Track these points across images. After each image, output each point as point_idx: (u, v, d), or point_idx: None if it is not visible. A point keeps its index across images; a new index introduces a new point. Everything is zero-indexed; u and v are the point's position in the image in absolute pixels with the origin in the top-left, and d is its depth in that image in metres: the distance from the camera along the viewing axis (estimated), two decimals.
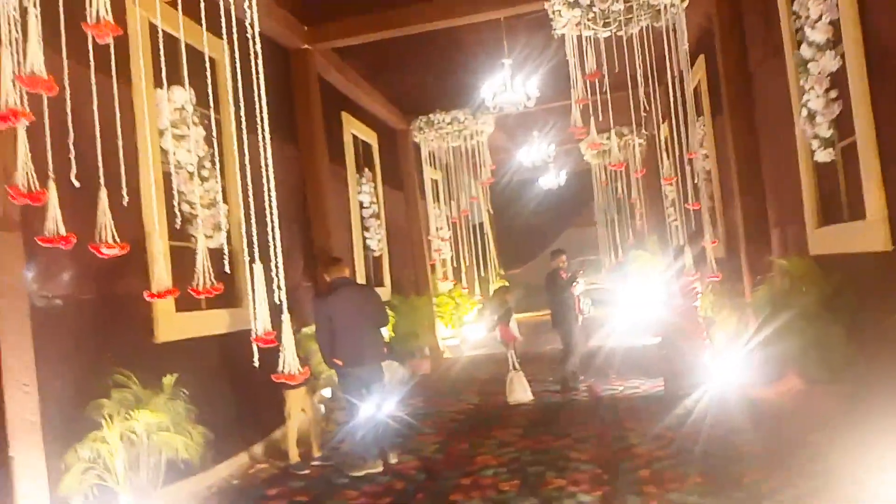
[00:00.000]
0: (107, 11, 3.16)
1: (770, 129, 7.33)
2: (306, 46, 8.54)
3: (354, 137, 11.00)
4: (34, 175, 3.61)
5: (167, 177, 5.91)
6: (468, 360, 13.37)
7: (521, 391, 8.41)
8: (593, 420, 7.23)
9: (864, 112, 4.85)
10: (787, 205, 6.85)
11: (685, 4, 7.45)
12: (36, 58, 3.18)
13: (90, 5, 3.17)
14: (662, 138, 11.46)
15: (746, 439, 5.73)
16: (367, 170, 11.34)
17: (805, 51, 5.47)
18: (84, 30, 3.25)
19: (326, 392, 8.00)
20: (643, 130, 12.13)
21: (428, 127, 12.31)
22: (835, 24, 5.20)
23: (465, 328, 15.30)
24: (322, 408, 7.90)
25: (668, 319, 7.75)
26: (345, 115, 10.59)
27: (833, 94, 5.35)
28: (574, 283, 9.03)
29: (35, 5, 3.24)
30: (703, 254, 7.75)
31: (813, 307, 5.42)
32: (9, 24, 3.29)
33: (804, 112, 5.64)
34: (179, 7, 3.80)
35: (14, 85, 3.34)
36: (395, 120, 12.80)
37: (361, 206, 10.97)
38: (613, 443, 6.21)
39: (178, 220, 5.69)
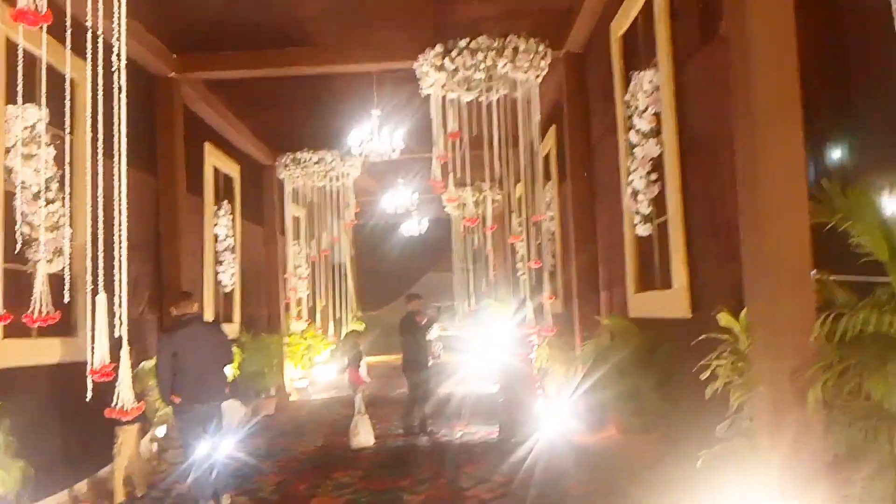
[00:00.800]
0: None
1: (605, 198, 8.15)
2: (173, 75, 8.46)
3: (216, 169, 10.87)
4: None
5: (8, 196, 5.65)
6: (317, 402, 13.28)
7: (364, 435, 8.51)
8: (432, 464, 7.50)
9: (676, 194, 5.60)
10: (614, 269, 7.61)
11: (539, 80, 8.21)
12: None
13: None
14: (515, 198, 12.25)
15: (571, 483, 6.21)
16: (226, 202, 11.19)
17: (633, 136, 6.24)
18: None
19: (160, 431, 7.74)
20: (498, 189, 12.88)
21: (294, 164, 12.35)
22: (658, 116, 5.99)
23: (316, 370, 15.19)
24: (155, 446, 7.63)
25: (508, 368, 8.25)
26: (207, 146, 10.47)
27: (654, 176, 6.13)
28: (430, 328, 9.22)
29: None
30: (541, 308, 8.36)
31: (628, 363, 6.06)
32: None
33: (629, 189, 6.39)
34: (43, 26, 3.76)
35: None
36: (260, 155, 12.77)
37: (217, 238, 10.78)
38: (448, 485, 6.50)
39: (19, 243, 5.46)
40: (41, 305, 4.23)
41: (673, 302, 5.64)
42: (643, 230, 6.35)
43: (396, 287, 25.24)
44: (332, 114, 10.94)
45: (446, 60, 7.79)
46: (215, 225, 10.71)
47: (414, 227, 19.40)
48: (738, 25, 3.75)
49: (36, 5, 3.36)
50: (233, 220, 11.36)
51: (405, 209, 16.70)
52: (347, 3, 7.54)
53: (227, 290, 11.10)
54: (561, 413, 7.73)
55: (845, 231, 3.50)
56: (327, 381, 15.09)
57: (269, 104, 10.66)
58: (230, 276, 11.06)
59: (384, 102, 9.77)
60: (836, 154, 4.17)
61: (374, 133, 9.52)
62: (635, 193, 6.29)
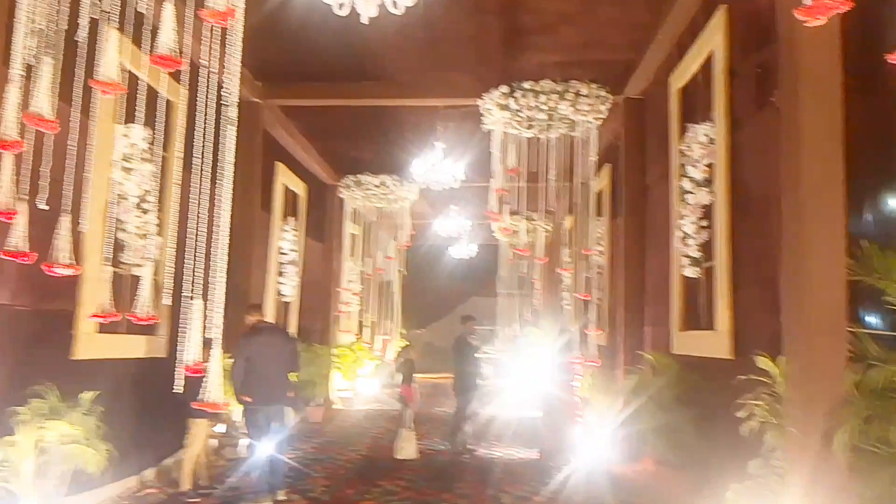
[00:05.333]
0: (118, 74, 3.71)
1: (655, 238, 8.46)
2: (257, 100, 9.14)
3: (285, 187, 11.54)
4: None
5: (110, 206, 6.30)
6: (360, 413, 13.74)
7: (409, 448, 8.91)
8: (474, 480, 7.86)
9: (724, 242, 5.92)
10: (660, 307, 7.90)
11: (598, 122, 8.61)
12: (45, 101, 3.68)
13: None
14: (566, 231, 12.59)
15: None
16: (292, 218, 11.85)
17: (686, 183, 6.58)
18: (91, 85, 3.79)
19: (219, 428, 8.28)
20: (550, 221, 13.23)
21: (356, 186, 13.04)
22: (711, 168, 6.33)
23: (360, 382, 15.68)
24: (214, 442, 8.16)
25: (550, 395, 8.56)
26: (279, 166, 11.14)
27: (704, 223, 6.45)
28: (480, 350, 9.49)
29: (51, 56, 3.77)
30: (587, 339, 8.68)
31: (668, 398, 6.35)
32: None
33: (680, 233, 6.72)
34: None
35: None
36: (325, 175, 13.43)
37: (281, 252, 11.42)
38: (489, 501, 6.86)
39: (128, 248, 6.08)
40: (144, 306, 4.78)
41: (716, 343, 5.93)
42: (691, 272, 6.66)
43: (441, 308, 25.73)
44: (395, 142, 11.51)
45: (510, 100, 8.27)
46: (281, 239, 11.35)
47: (463, 251, 19.81)
48: (790, 97, 4.11)
49: (173, 53, 3.92)
50: (297, 235, 11.99)
51: (457, 234, 17.16)
52: (423, 45, 8.05)
53: (287, 300, 11.71)
54: (600, 442, 8.00)
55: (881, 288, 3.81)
56: (370, 394, 15.56)
57: (338, 129, 11.27)
58: (291, 287, 11.67)
59: (447, 135, 10.28)
60: (875, 218, 4.46)
61: (436, 163, 10.03)
62: (685, 237, 6.61)
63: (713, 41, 6.20)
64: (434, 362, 19.14)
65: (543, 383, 9.14)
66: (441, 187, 10.24)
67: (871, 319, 4.48)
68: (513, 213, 11.68)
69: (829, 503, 3.85)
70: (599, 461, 7.91)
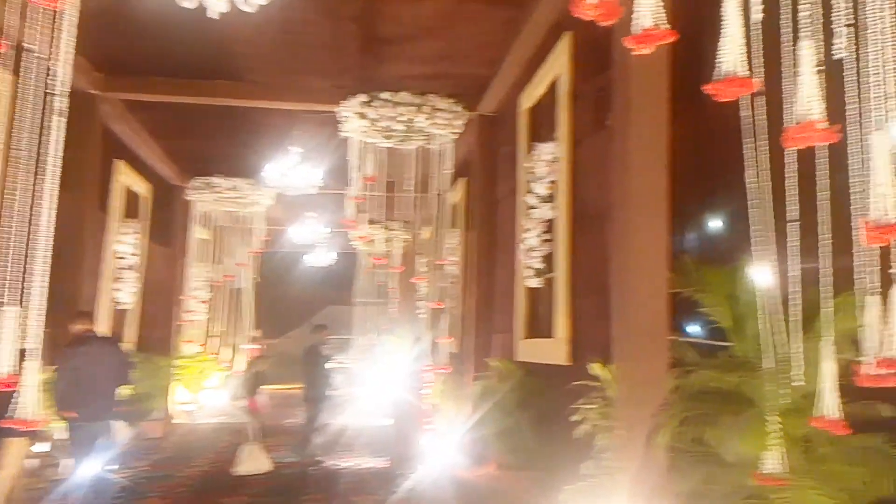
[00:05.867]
0: None
1: (503, 250, 8.77)
2: (94, 92, 8.49)
3: (125, 187, 10.80)
4: None
5: None
6: (204, 426, 13.11)
7: (255, 462, 8.60)
8: (321, 491, 7.73)
9: (564, 255, 6.25)
10: (506, 315, 8.19)
11: (454, 137, 8.82)
12: None
13: None
14: (423, 241, 12.75)
15: None
16: (132, 220, 11.10)
17: (531, 199, 6.89)
18: None
19: (39, 447, 7.58)
20: (407, 231, 13.35)
21: (206, 188, 12.45)
22: (555, 184, 6.66)
23: (205, 394, 14.96)
24: (35, 462, 7.47)
25: (401, 402, 8.62)
26: (119, 164, 10.40)
27: (546, 236, 6.77)
28: (330, 360, 9.48)
29: None
30: (439, 347, 8.83)
31: (511, 403, 6.59)
32: None
33: (524, 245, 7.02)
34: None
35: None
36: (172, 176, 12.72)
37: (118, 256, 10.65)
38: None
39: None
40: None
41: (554, 350, 6.22)
42: (534, 283, 6.96)
43: (296, 317, 25.13)
44: (249, 144, 11.12)
45: (369, 109, 8.27)
46: (119, 242, 10.59)
47: (321, 259, 19.48)
48: (622, 120, 4.42)
49: None
50: (138, 238, 11.25)
51: (314, 241, 16.86)
52: (279, 47, 7.85)
53: (125, 307, 10.93)
54: (448, 448, 8.14)
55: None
56: (216, 406, 14.88)
57: (187, 128, 10.72)
58: (129, 294, 10.91)
59: (303, 140, 10.09)
60: (695, 234, 4.91)
61: (292, 169, 9.81)
62: (530, 249, 6.91)
63: (558, 64, 6.53)
64: (289, 372, 18.63)
65: (396, 391, 9.18)
66: (297, 193, 10.02)
67: (690, 328, 4.91)
68: (371, 221, 11.69)
69: (651, 501, 4.13)
70: (447, 466, 8.03)
